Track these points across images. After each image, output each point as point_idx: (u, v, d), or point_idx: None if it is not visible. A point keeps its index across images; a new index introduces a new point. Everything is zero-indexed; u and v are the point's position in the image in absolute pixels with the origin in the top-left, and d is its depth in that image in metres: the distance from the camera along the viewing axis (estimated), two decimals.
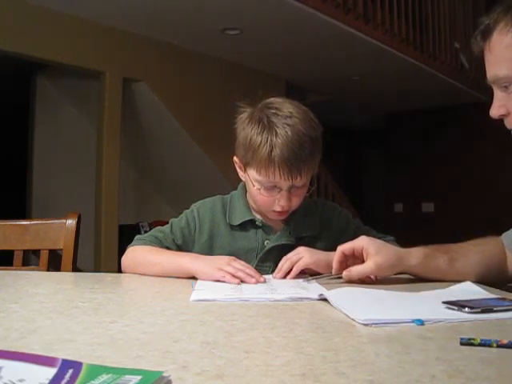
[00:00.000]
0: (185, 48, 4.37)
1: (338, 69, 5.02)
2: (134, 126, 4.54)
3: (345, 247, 1.05)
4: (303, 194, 1.21)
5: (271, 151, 1.12)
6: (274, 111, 1.16)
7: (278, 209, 1.18)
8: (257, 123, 1.16)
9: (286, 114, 1.16)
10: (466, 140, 6.03)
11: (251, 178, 1.19)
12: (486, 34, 0.90)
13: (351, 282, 1.02)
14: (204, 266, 1.08)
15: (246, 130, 1.17)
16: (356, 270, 1.01)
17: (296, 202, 1.20)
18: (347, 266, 1.04)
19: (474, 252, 1.05)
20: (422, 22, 4.80)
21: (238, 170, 1.26)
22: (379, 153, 7.44)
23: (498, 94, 0.92)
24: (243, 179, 1.26)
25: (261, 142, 1.13)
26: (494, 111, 0.93)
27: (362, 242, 1.03)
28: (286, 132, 1.13)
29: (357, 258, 1.04)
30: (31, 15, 3.46)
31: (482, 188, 5.88)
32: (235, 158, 1.25)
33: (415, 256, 1.02)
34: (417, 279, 1.05)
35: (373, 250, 1.00)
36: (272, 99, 1.21)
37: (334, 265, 1.05)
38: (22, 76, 4.67)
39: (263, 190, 1.17)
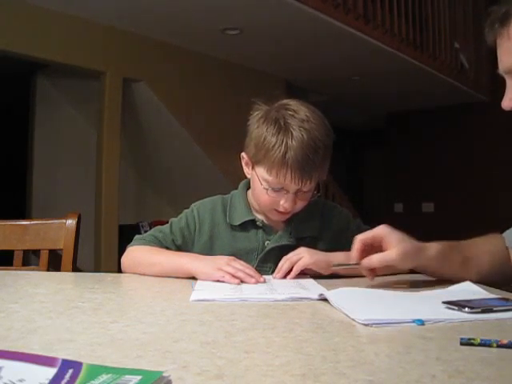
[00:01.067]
0: (185, 48, 4.37)
1: (338, 69, 5.02)
2: (133, 126, 4.54)
3: (365, 236, 1.01)
4: (308, 199, 1.20)
5: (285, 153, 1.11)
6: (291, 113, 1.15)
7: (281, 209, 1.18)
8: (273, 123, 1.15)
9: (303, 117, 1.15)
10: (466, 140, 6.03)
11: (259, 176, 1.18)
12: (506, 20, 0.86)
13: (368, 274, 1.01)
14: (203, 266, 1.08)
15: (261, 128, 1.16)
16: (377, 258, 0.97)
17: (300, 206, 1.19)
18: (366, 256, 0.99)
19: (484, 252, 1.03)
20: (422, 21, 4.80)
21: (244, 166, 1.25)
22: (379, 153, 7.44)
23: None
24: (248, 176, 1.25)
25: (276, 142, 1.12)
26: (507, 103, 0.90)
27: (383, 232, 0.99)
28: (302, 136, 1.12)
29: (374, 247, 1.00)
30: (31, 15, 3.46)
31: (482, 188, 5.88)
32: (243, 154, 1.24)
33: (433, 250, 0.99)
34: (417, 279, 1.05)
35: (394, 240, 0.97)
36: (288, 100, 1.20)
37: (354, 254, 1.00)
38: (22, 76, 4.67)
39: (271, 191, 1.16)
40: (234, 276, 1.03)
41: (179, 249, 1.23)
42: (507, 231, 1.07)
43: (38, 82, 4.75)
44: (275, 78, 5.09)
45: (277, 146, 1.12)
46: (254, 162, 1.19)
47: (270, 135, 1.13)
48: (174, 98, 4.33)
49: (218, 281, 1.03)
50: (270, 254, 1.21)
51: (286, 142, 1.11)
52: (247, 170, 1.24)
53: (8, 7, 3.33)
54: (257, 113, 1.20)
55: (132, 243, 1.25)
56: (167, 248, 1.23)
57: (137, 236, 1.27)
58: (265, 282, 1.05)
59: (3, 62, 3.78)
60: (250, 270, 1.06)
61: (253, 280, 1.03)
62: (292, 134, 1.12)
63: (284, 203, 1.16)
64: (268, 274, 1.15)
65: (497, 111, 0.94)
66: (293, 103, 1.19)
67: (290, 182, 1.13)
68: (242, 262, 1.08)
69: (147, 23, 3.86)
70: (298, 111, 1.16)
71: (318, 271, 1.11)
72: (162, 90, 4.24)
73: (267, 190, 1.16)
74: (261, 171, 1.17)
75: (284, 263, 1.11)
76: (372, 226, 1.34)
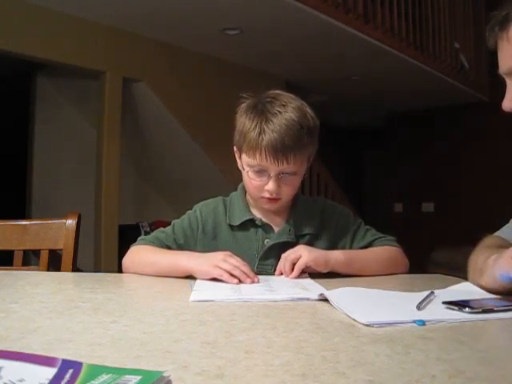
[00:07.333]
0: (185, 48, 4.37)
1: (338, 69, 5.01)
2: (133, 125, 4.54)
3: None
4: (294, 184, 1.22)
5: (259, 134, 1.16)
6: (269, 99, 1.21)
7: (267, 195, 1.20)
8: (252, 110, 1.20)
9: (282, 102, 1.19)
10: (466, 140, 6.03)
11: (243, 162, 1.22)
12: (505, 23, 0.87)
13: None
14: (200, 264, 1.08)
15: (242, 116, 1.22)
16: None
17: (287, 191, 1.21)
18: None
19: None
20: (422, 21, 4.80)
21: (237, 159, 1.28)
22: (379, 153, 7.44)
23: None
24: (240, 168, 1.28)
25: (251, 125, 1.18)
26: (507, 103, 0.91)
27: None
28: (277, 118, 1.16)
29: None
30: (31, 15, 3.45)
31: (482, 188, 5.88)
32: (234, 147, 1.27)
33: None
34: (417, 279, 1.05)
35: None
36: (273, 91, 1.25)
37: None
38: (22, 76, 4.67)
39: (252, 173, 1.20)
40: (231, 274, 1.03)
41: (181, 248, 1.23)
42: (501, 232, 1.05)
43: (38, 81, 4.74)
44: (275, 77, 5.08)
45: (252, 128, 1.17)
46: (239, 150, 1.23)
47: (248, 120, 1.19)
48: (174, 98, 4.32)
49: (217, 279, 1.04)
50: (270, 252, 1.22)
51: (261, 124, 1.16)
52: (239, 162, 1.27)
53: (8, 7, 3.33)
54: (242, 105, 1.25)
55: (134, 244, 1.26)
56: (168, 247, 1.23)
57: (140, 237, 1.28)
58: (258, 281, 1.04)
59: (3, 62, 3.78)
60: (246, 268, 1.06)
61: (248, 280, 1.03)
62: (267, 116, 1.17)
63: (267, 186, 1.19)
64: (269, 273, 1.15)
65: (497, 111, 0.94)
66: (275, 92, 1.24)
67: (265, 162, 1.16)
68: (237, 259, 1.08)
69: (147, 23, 3.86)
70: (278, 98, 1.21)
71: (317, 269, 1.12)
72: (162, 90, 4.24)
73: (248, 172, 1.20)
74: (243, 156, 1.21)
75: (284, 264, 1.12)
76: (372, 225, 1.34)
